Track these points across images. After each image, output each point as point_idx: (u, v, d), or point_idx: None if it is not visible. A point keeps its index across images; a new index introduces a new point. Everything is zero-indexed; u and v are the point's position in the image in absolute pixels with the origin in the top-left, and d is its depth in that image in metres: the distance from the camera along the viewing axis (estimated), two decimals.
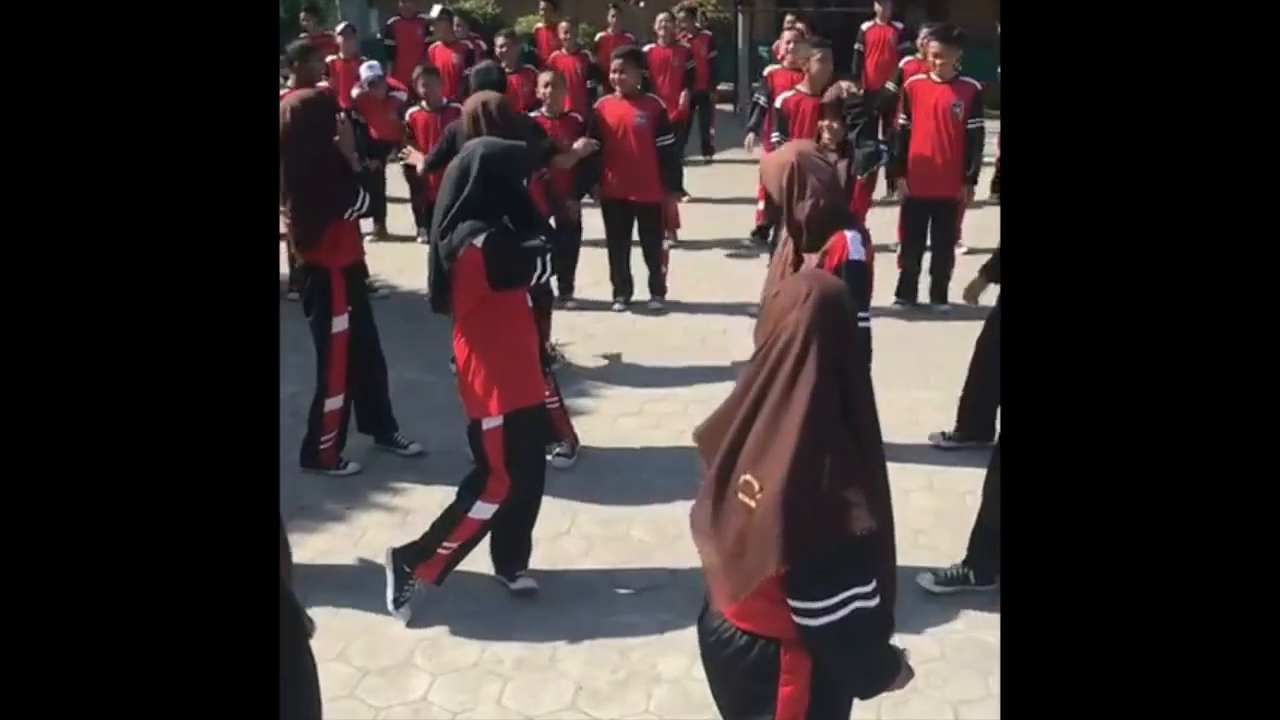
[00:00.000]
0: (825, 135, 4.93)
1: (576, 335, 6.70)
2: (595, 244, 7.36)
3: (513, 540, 3.99)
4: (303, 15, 12.09)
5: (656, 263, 7.24)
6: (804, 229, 3.62)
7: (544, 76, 7.08)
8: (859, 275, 3.56)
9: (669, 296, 7.33)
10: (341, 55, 9.68)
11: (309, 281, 4.76)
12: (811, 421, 1.97)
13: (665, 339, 6.74)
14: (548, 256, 3.66)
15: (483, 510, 3.80)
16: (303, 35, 11.59)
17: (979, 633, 3.75)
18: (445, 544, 3.81)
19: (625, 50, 7.16)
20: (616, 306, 7.26)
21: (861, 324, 3.56)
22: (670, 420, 5.52)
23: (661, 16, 10.32)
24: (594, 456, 5.12)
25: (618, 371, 6.21)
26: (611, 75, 7.08)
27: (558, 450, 4.97)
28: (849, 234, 3.58)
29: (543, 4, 11.64)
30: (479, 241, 3.52)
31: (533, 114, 7.02)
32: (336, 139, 4.64)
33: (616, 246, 7.22)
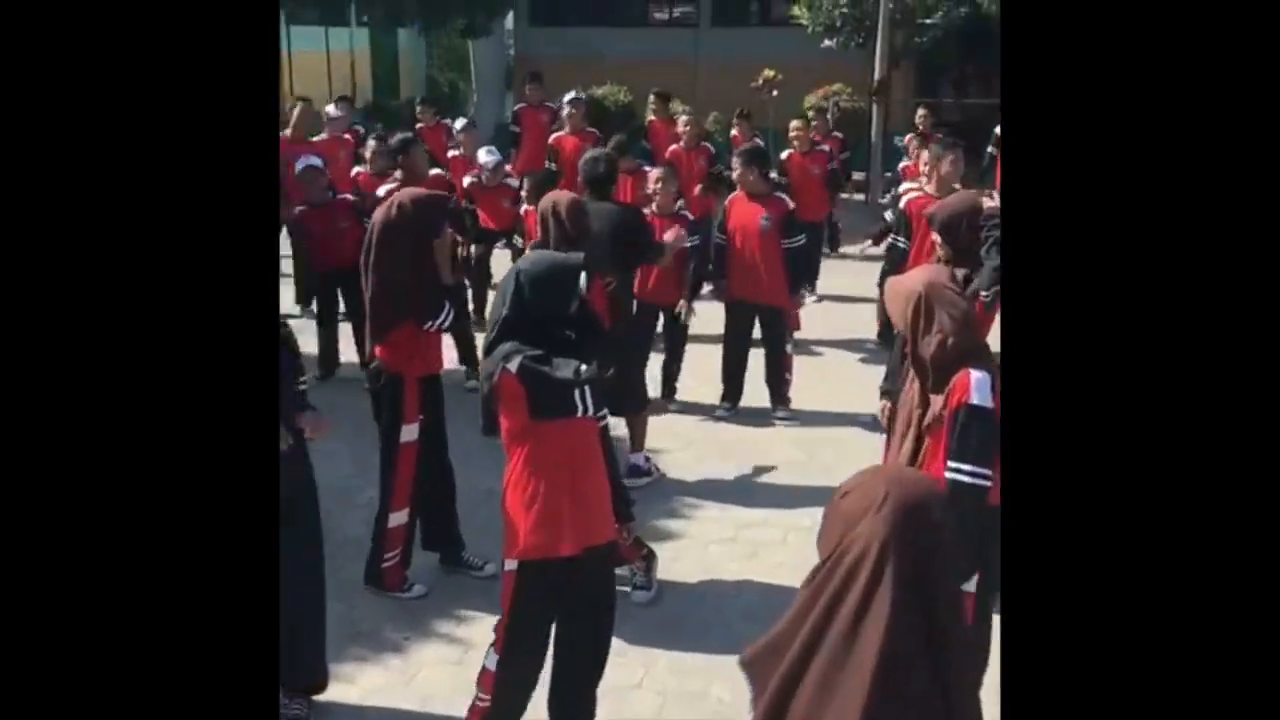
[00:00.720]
0: (940, 252, 4.45)
1: (675, 442, 6.28)
2: (702, 340, 6.96)
3: (569, 701, 3.53)
4: (419, 107, 12.10)
5: (780, 370, 6.78)
6: (929, 369, 3.15)
7: (655, 172, 6.80)
8: (979, 423, 3.04)
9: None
10: (462, 151, 9.57)
11: (382, 383, 4.50)
12: (884, 670, 1.51)
13: (770, 451, 6.25)
14: (586, 390, 3.22)
15: (494, 662, 3.39)
16: (417, 125, 11.69)
17: None
18: (480, 695, 3.41)
19: (746, 149, 6.81)
20: (719, 412, 6.82)
21: (979, 481, 3.03)
22: (767, 550, 5.01)
23: (795, 123, 9.72)
24: (679, 591, 4.65)
25: (714, 488, 5.74)
26: (734, 175, 6.78)
27: (636, 582, 4.53)
28: (975, 374, 3.06)
29: (652, 98, 11.42)
30: (512, 366, 3.16)
31: (645, 210, 6.74)
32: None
33: (733, 348, 6.81)
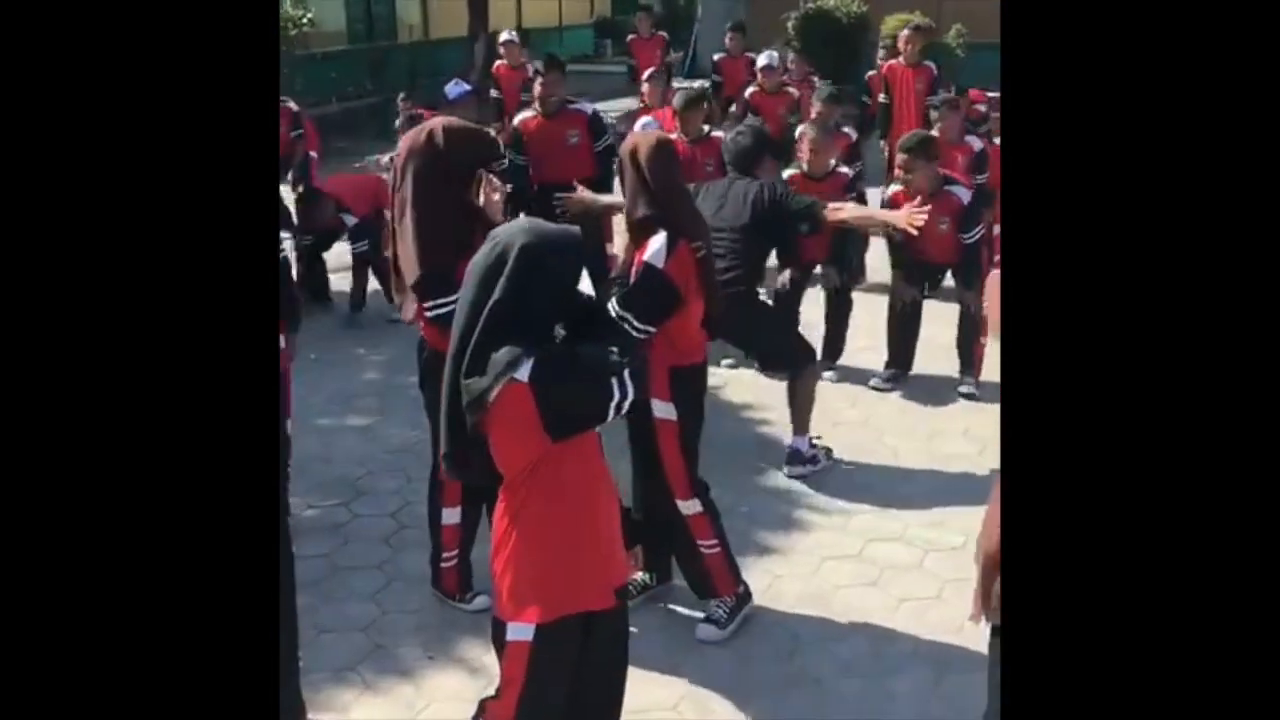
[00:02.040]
0: None
1: (819, 421, 5.30)
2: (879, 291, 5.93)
3: None
4: (637, 15, 11.59)
5: (973, 333, 5.63)
6: None
7: (806, 131, 5.74)
8: None
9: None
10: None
11: (424, 356, 3.80)
12: None
13: (935, 439, 5.19)
14: (625, 374, 2.43)
15: None
16: (630, 36, 11.02)
17: None
18: None
19: (912, 139, 5.54)
20: (874, 382, 5.78)
21: None
22: (895, 576, 4.03)
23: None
24: (767, 619, 3.77)
25: (849, 484, 4.76)
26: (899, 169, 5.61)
27: (712, 614, 3.70)
28: None
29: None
30: (523, 374, 2.36)
31: (791, 172, 5.71)
32: (482, 193, 3.49)
33: (902, 309, 5.75)
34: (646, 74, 8.44)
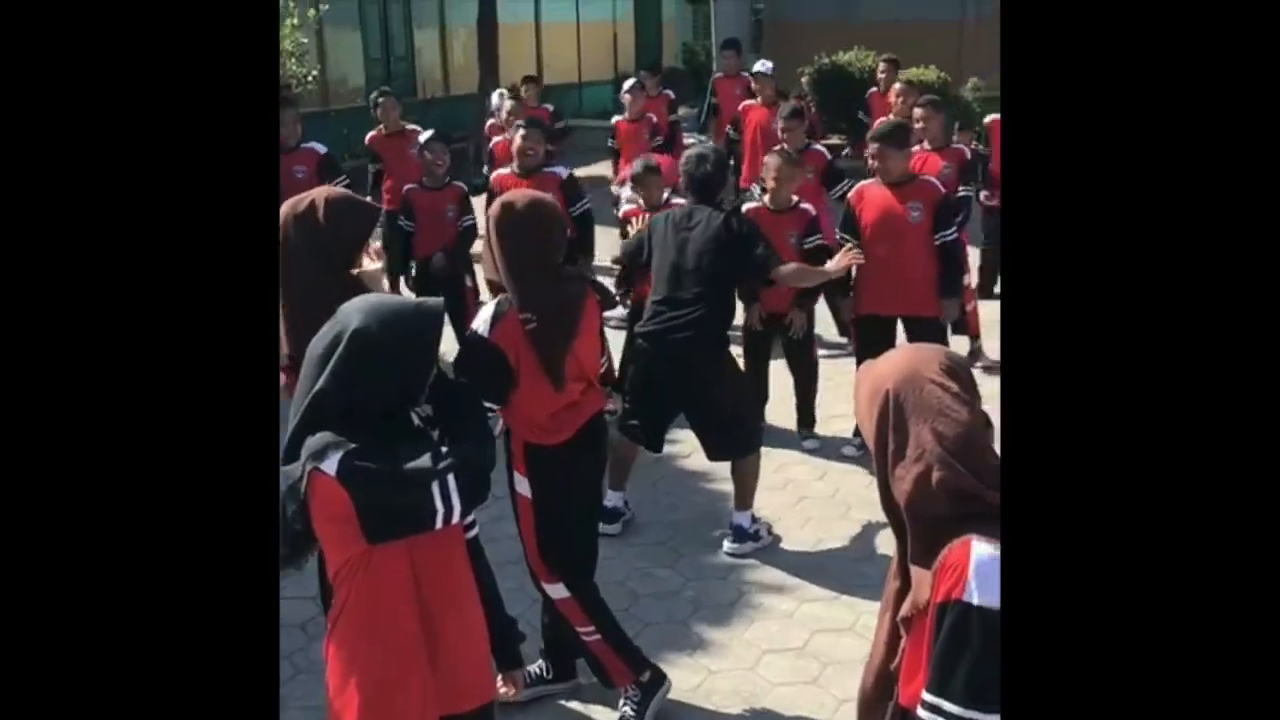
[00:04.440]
0: None
1: (783, 496, 4.98)
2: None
3: None
4: (641, 74, 11.44)
5: None
6: (905, 518, 1.86)
7: (770, 162, 5.44)
8: (979, 635, 1.72)
9: None
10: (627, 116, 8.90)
11: None
12: None
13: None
14: (449, 483, 2.15)
15: None
16: (623, 94, 10.86)
17: None
18: None
19: (884, 128, 5.28)
20: (847, 450, 5.45)
21: None
22: (839, 672, 3.69)
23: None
24: None
25: (805, 566, 4.39)
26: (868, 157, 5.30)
27: (623, 712, 3.37)
28: (980, 548, 1.75)
29: (882, 64, 9.73)
30: (329, 466, 2.09)
31: (750, 205, 5.43)
32: (361, 269, 3.21)
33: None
34: (627, 84, 8.76)
